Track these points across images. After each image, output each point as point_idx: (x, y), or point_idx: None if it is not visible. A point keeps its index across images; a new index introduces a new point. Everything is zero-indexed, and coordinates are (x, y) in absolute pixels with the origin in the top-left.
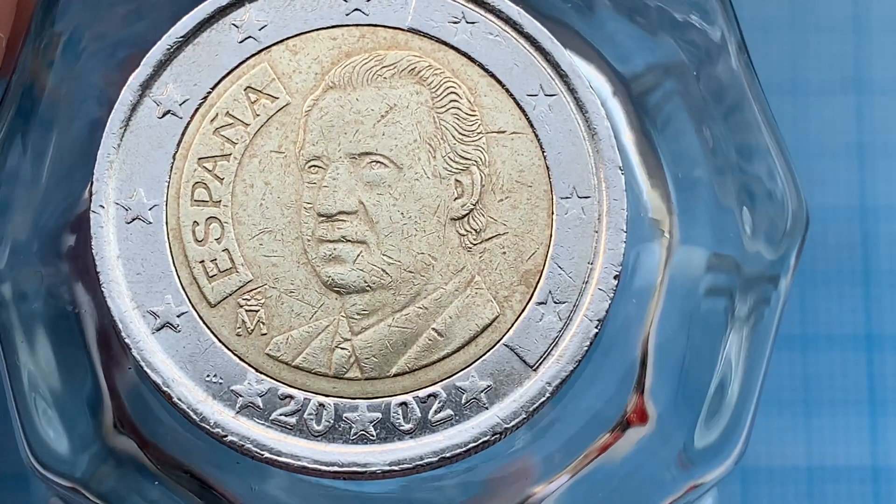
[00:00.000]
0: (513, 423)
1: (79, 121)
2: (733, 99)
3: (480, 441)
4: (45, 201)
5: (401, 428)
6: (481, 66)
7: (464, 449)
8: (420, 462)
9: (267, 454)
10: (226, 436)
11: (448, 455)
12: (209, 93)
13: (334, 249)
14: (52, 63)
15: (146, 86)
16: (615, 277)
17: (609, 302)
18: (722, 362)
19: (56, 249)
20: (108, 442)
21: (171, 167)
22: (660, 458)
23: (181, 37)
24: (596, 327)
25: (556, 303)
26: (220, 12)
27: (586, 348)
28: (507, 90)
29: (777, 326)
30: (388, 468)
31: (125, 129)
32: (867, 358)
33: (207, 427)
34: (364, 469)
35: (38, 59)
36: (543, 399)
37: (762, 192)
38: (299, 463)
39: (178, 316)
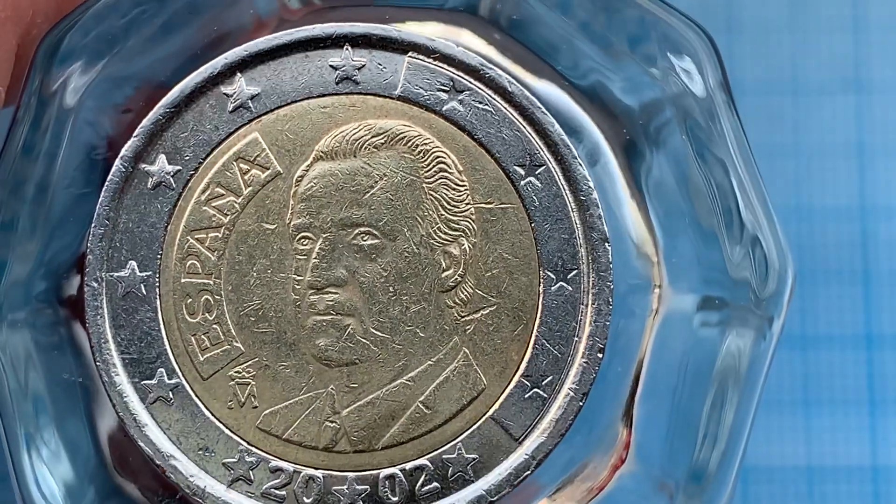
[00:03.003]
0: (498, 496)
1: (75, 169)
2: (720, 153)
3: None
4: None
5: (388, 501)
6: (471, 135)
7: None
8: None
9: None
10: None
11: None
12: (200, 163)
13: (324, 321)
14: (50, 106)
15: (138, 157)
16: (600, 352)
17: (594, 375)
18: (714, 394)
19: (55, 295)
20: (110, 483)
21: (164, 239)
22: (650, 497)
23: (173, 107)
24: (580, 401)
25: (541, 376)
26: (212, 81)
27: (570, 421)
28: (497, 160)
29: (769, 368)
30: None
31: (117, 202)
32: (867, 358)
33: (199, 500)
34: None
35: (37, 103)
36: (528, 472)
37: (748, 241)
38: None
39: (170, 389)
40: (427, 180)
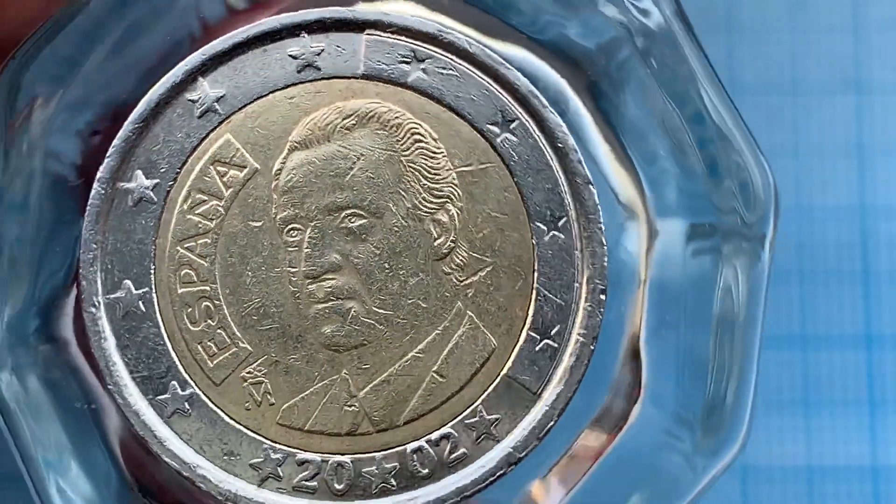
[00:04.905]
0: (525, 451)
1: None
2: (685, 83)
3: (497, 473)
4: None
5: (419, 474)
6: (439, 101)
7: (483, 483)
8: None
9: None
10: None
11: (469, 492)
12: (178, 173)
13: (326, 309)
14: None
15: (115, 177)
16: (602, 293)
17: (600, 317)
18: (717, 318)
19: (51, 328)
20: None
21: (154, 254)
22: (670, 432)
23: (141, 121)
24: (591, 345)
25: (548, 327)
26: (175, 90)
27: (585, 366)
28: (469, 122)
29: (767, 288)
30: None
31: (102, 224)
32: (867, 358)
33: None
34: None
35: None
36: (551, 423)
37: (726, 163)
38: None
39: (186, 400)
40: (404, 153)
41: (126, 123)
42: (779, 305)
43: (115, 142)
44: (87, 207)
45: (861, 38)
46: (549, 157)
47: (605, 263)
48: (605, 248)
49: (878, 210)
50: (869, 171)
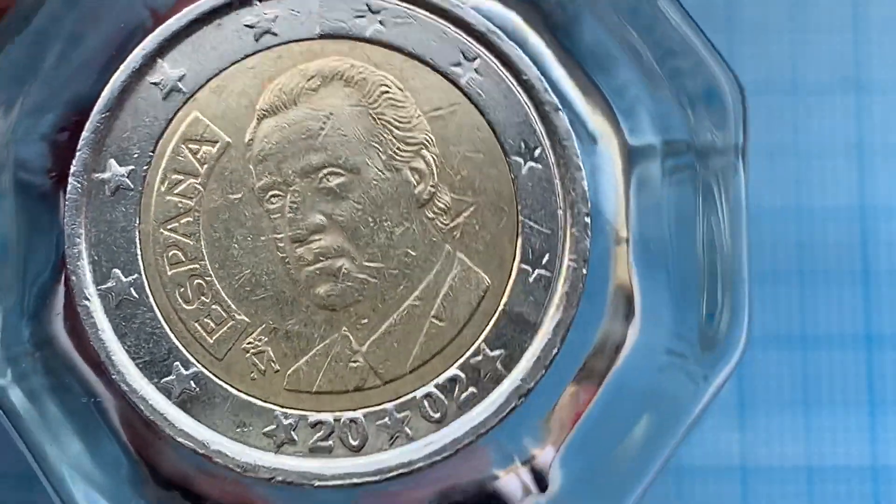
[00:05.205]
0: (534, 381)
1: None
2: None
3: (510, 407)
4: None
5: (432, 419)
6: (400, 50)
7: (498, 418)
8: (460, 445)
9: (318, 482)
10: (272, 477)
11: (483, 430)
12: (151, 156)
13: (317, 270)
14: None
15: (89, 169)
16: (587, 216)
17: (588, 240)
18: (703, 234)
19: (45, 331)
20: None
21: (139, 239)
22: (670, 350)
23: (107, 111)
24: (583, 268)
25: (539, 257)
26: (136, 76)
27: (580, 291)
28: (433, 67)
29: (747, 199)
30: (431, 460)
31: (83, 217)
32: (867, 358)
33: (253, 475)
34: (409, 468)
35: None
36: (556, 349)
37: (692, 78)
38: (352, 481)
39: (191, 379)
40: (372, 106)
41: (92, 115)
42: (779, 305)
43: (85, 134)
44: (66, 203)
45: (861, 38)
46: (515, 90)
47: (586, 187)
48: (583, 171)
49: (878, 210)
50: (869, 171)
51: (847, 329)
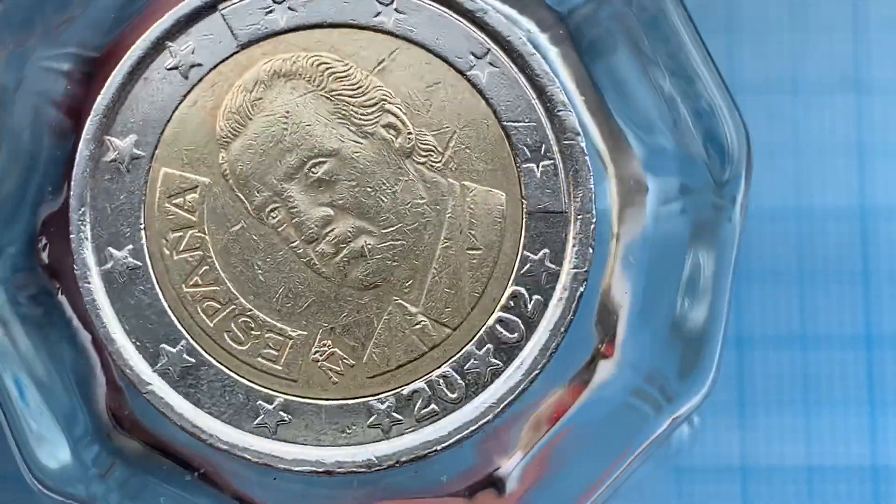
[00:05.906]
0: (586, 265)
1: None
2: (666, 33)
3: (575, 301)
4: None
5: (511, 340)
6: (320, 26)
7: (571, 314)
8: (550, 348)
9: (445, 444)
10: (414, 457)
11: (563, 326)
12: (142, 228)
13: (344, 257)
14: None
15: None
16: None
17: (571, 116)
18: (685, 278)
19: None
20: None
21: (169, 309)
22: (634, 389)
23: (80, 207)
24: (581, 143)
25: (536, 149)
26: (92, 161)
27: (587, 171)
28: (357, 26)
29: (738, 251)
30: (531, 375)
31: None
32: (867, 358)
33: (390, 466)
34: (515, 392)
35: None
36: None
37: (703, 117)
38: (472, 429)
39: (280, 411)
40: (320, 88)
41: (70, 215)
42: (779, 305)
43: (72, 230)
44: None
45: (861, 38)
46: (450, 17)
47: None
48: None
49: (878, 210)
50: (869, 171)
51: (847, 329)
